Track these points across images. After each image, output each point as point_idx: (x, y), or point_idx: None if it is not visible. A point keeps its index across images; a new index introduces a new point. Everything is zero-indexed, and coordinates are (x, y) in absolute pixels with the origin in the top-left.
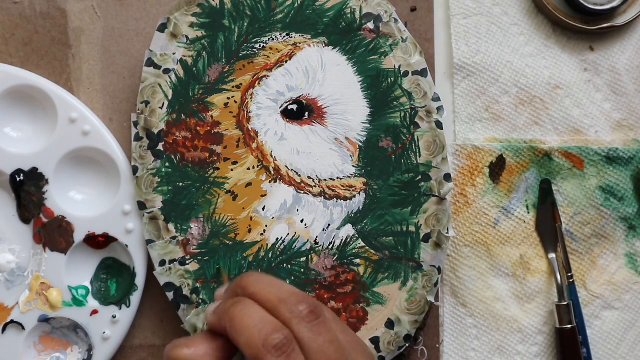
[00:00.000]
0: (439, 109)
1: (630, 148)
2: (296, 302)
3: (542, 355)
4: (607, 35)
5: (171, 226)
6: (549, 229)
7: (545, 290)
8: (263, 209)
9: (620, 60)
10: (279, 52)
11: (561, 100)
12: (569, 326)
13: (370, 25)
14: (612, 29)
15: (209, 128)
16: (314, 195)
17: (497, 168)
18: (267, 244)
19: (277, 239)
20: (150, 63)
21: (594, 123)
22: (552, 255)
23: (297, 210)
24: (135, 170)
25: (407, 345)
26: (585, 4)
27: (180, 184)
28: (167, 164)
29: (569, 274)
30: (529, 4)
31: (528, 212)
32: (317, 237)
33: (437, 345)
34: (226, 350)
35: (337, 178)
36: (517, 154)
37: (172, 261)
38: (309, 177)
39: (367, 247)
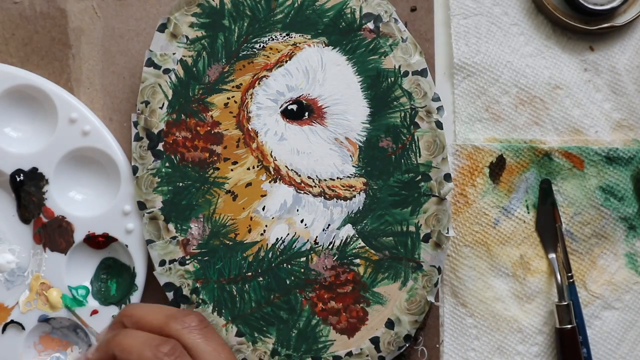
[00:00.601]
0: (439, 109)
1: (630, 148)
2: (184, 315)
3: (542, 355)
4: (607, 35)
5: (171, 226)
6: (548, 229)
7: (545, 290)
8: (263, 209)
9: (620, 60)
10: (278, 52)
11: (561, 100)
12: (569, 326)
13: (370, 25)
14: (612, 29)
15: (209, 128)
16: (314, 195)
17: (497, 168)
18: (267, 244)
19: (277, 239)
20: (150, 63)
21: (594, 123)
22: (552, 255)
23: (297, 210)
24: (135, 170)
25: (407, 345)
26: (585, 4)
27: (180, 184)
28: (167, 164)
29: (569, 274)
30: (529, 4)
31: (528, 212)
32: (317, 237)
33: (437, 345)
34: None
35: (337, 178)
36: (517, 154)
37: (172, 261)
38: (308, 177)
39: (367, 247)
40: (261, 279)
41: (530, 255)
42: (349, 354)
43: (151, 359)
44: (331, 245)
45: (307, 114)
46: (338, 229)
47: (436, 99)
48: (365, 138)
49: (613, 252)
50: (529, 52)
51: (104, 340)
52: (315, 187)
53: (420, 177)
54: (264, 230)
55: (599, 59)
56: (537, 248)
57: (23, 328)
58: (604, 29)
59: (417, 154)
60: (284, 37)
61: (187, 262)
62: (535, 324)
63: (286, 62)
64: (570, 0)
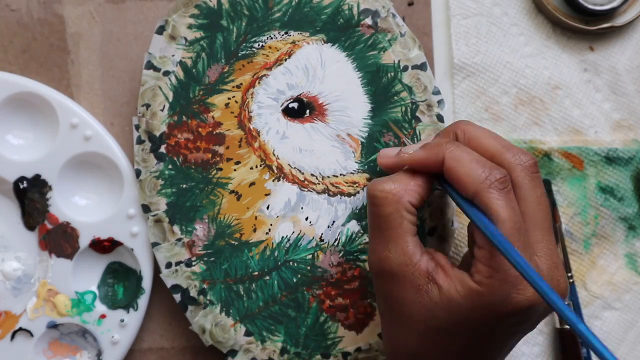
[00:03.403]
0: (440, 102)
1: (630, 148)
2: (520, 152)
3: (542, 355)
4: (607, 36)
5: (176, 228)
6: None
7: None
8: (267, 207)
9: (620, 60)
10: (278, 50)
11: (561, 101)
12: (569, 327)
13: (369, 20)
14: (612, 29)
15: (210, 129)
16: (318, 193)
17: None
18: (273, 243)
19: (283, 237)
20: (150, 66)
21: (594, 123)
22: None
23: (302, 208)
24: (138, 173)
25: None
26: (585, 4)
27: (184, 186)
28: (170, 166)
29: (569, 274)
30: (528, 4)
31: None
32: (322, 234)
33: None
34: (425, 188)
35: (340, 174)
36: None
37: (178, 263)
38: (312, 175)
39: None
40: (268, 277)
41: None
42: (358, 349)
43: (481, 178)
44: (337, 241)
45: (308, 111)
46: (343, 225)
47: (436, 92)
48: (367, 134)
49: (613, 253)
50: (529, 52)
51: (435, 142)
52: (319, 184)
53: None
54: (269, 229)
55: (599, 59)
56: None
57: (32, 335)
58: (604, 29)
59: None
60: (283, 35)
61: (194, 263)
62: None
63: (285, 60)
64: (570, 0)
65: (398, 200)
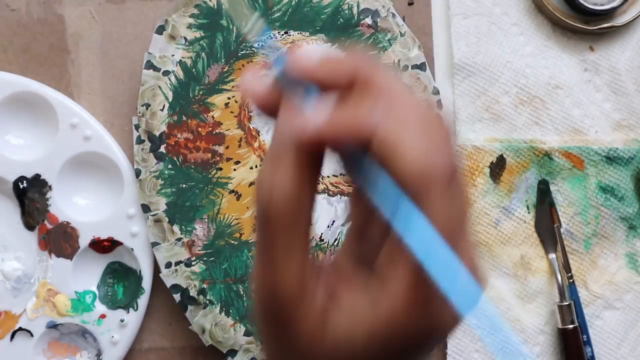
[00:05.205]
0: (439, 102)
1: (630, 148)
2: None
3: (543, 355)
4: (607, 35)
5: (176, 228)
6: (548, 229)
7: (546, 290)
8: None
9: (620, 60)
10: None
11: (561, 100)
12: (571, 326)
13: (368, 20)
14: (612, 29)
15: (210, 129)
16: (318, 193)
17: (497, 168)
18: None
19: None
20: (150, 65)
21: (594, 123)
22: (553, 256)
23: None
24: (138, 173)
25: None
26: (586, 4)
27: (184, 186)
28: (169, 166)
29: (569, 274)
30: (529, 4)
31: (528, 212)
32: (322, 234)
33: (441, 347)
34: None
35: (340, 174)
36: (517, 154)
37: (177, 263)
38: None
39: None
40: None
41: (530, 255)
42: None
43: (432, 169)
44: (336, 242)
45: None
46: (343, 225)
47: (436, 92)
48: None
49: (613, 252)
50: (529, 52)
51: (351, 104)
52: (319, 184)
53: None
54: None
55: (599, 59)
56: (538, 248)
57: (31, 335)
58: (604, 29)
59: None
60: (283, 35)
61: (193, 263)
62: (536, 324)
63: None
64: (571, 0)
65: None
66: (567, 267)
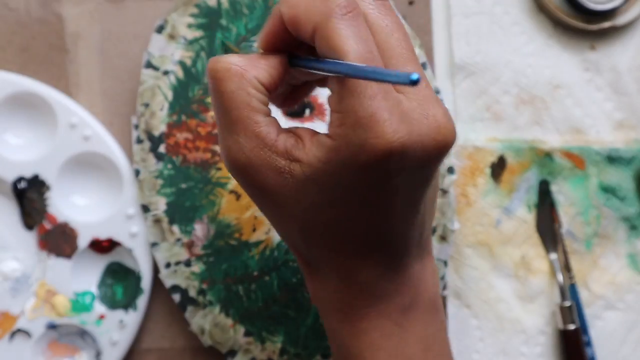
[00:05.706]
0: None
1: (631, 148)
2: None
3: (544, 355)
4: (609, 35)
5: (175, 228)
6: (548, 229)
7: (547, 290)
8: None
9: (622, 60)
10: None
11: (562, 100)
12: (572, 327)
13: None
14: (614, 29)
15: (210, 128)
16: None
17: (498, 168)
18: (272, 243)
19: None
20: (149, 65)
21: (595, 123)
22: (553, 256)
23: None
24: (137, 173)
25: None
26: (587, 4)
27: (183, 186)
28: (169, 166)
29: (570, 275)
30: (530, 3)
31: (529, 212)
32: None
33: None
34: (277, 68)
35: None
36: (518, 153)
37: (177, 263)
38: None
39: None
40: (267, 278)
41: (531, 255)
42: None
43: (319, 9)
44: None
45: (308, 111)
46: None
47: (436, 92)
48: None
49: (615, 253)
50: (530, 51)
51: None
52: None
53: None
54: (269, 229)
55: (601, 59)
56: (538, 248)
57: (30, 335)
58: (606, 29)
59: None
60: None
61: (193, 263)
62: (537, 325)
63: None
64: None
65: (242, 74)
66: (568, 268)
